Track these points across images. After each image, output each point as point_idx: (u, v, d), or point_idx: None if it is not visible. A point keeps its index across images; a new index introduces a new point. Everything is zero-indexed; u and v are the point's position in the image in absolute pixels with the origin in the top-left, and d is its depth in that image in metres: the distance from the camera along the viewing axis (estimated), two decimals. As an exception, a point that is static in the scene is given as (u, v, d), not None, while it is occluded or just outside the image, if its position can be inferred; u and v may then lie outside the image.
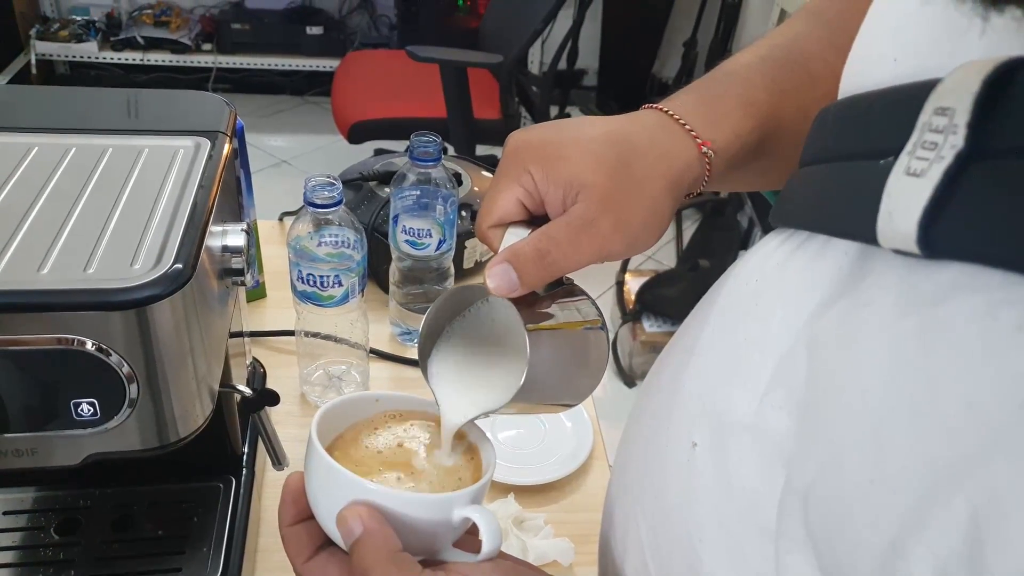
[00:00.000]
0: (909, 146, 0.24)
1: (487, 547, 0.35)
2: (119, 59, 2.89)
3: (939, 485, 0.22)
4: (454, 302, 0.40)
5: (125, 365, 0.40)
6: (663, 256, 2.41)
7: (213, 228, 0.47)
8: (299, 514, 0.38)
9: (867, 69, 0.30)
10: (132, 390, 0.41)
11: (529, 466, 0.73)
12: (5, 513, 0.58)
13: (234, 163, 0.57)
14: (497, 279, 0.36)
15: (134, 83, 2.93)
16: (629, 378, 1.99)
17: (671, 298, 2.00)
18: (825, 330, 0.28)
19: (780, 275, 0.32)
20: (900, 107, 0.26)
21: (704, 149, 0.39)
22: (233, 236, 0.51)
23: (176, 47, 2.90)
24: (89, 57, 2.86)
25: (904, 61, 0.28)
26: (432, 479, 0.38)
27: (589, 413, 0.81)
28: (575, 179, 0.37)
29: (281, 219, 1.07)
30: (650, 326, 2.00)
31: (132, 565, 0.55)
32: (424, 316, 0.39)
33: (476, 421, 0.39)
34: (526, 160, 0.38)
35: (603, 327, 0.40)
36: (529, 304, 0.37)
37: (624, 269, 2.12)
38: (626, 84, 3.00)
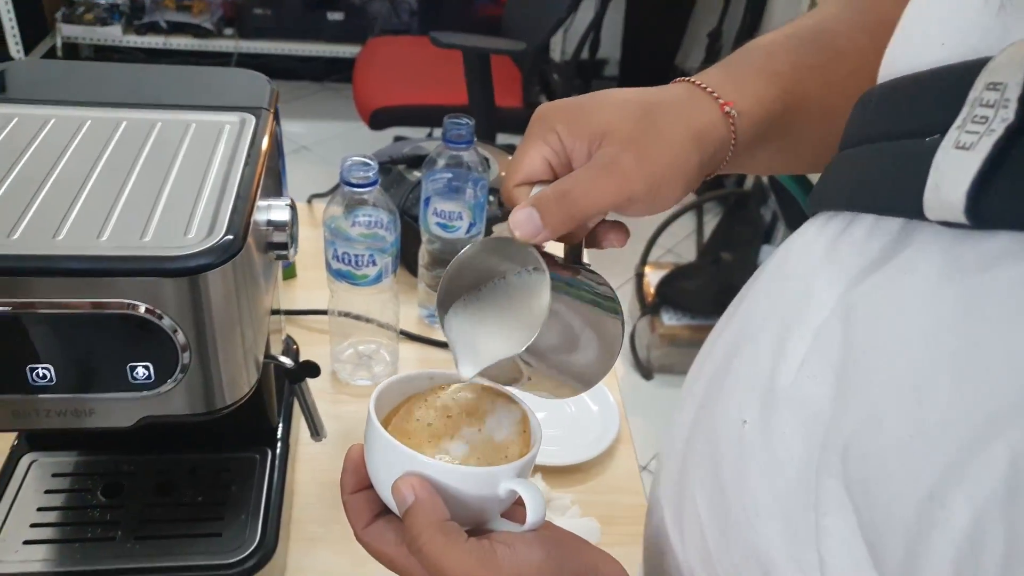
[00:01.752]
0: (959, 121, 0.25)
1: (531, 518, 0.36)
2: (142, 43, 2.90)
3: (979, 435, 0.22)
4: (475, 266, 0.40)
5: (178, 331, 0.41)
6: (683, 250, 2.41)
7: (259, 203, 0.48)
8: (359, 483, 0.39)
9: (911, 52, 0.31)
10: (184, 356, 0.42)
11: (557, 447, 0.74)
12: (54, 475, 0.59)
13: (277, 140, 0.58)
14: (522, 223, 0.36)
15: (157, 67, 2.95)
16: (647, 371, 2.00)
17: (691, 291, 1.99)
18: (863, 296, 0.29)
19: (826, 257, 0.33)
20: (949, 85, 0.26)
21: (727, 109, 0.40)
22: (277, 211, 0.52)
23: (198, 31, 2.92)
24: (113, 41, 2.88)
25: (952, 44, 0.28)
26: (482, 452, 0.39)
27: (615, 398, 0.81)
28: (599, 128, 0.38)
29: (310, 201, 1.08)
30: (669, 319, 1.99)
31: (175, 528, 0.57)
32: (448, 265, 0.39)
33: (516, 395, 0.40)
34: (553, 120, 0.39)
35: (620, 315, 0.41)
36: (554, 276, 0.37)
37: (644, 261, 2.12)
38: (648, 75, 2.95)
